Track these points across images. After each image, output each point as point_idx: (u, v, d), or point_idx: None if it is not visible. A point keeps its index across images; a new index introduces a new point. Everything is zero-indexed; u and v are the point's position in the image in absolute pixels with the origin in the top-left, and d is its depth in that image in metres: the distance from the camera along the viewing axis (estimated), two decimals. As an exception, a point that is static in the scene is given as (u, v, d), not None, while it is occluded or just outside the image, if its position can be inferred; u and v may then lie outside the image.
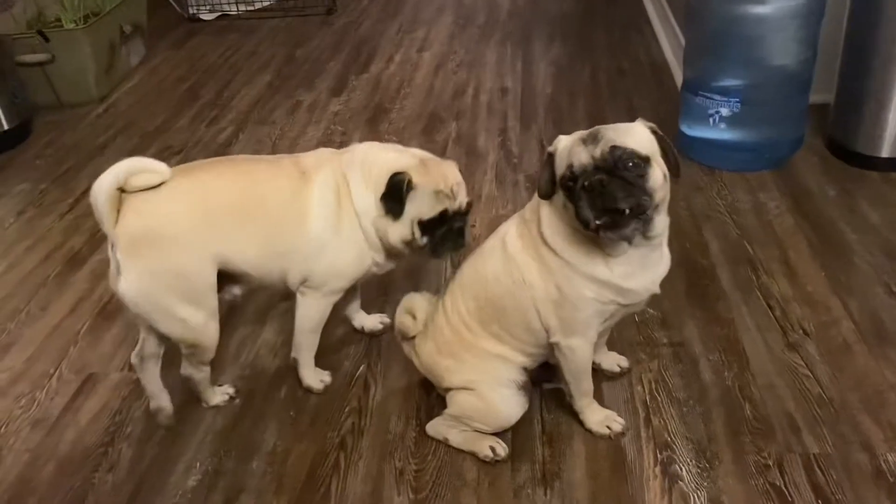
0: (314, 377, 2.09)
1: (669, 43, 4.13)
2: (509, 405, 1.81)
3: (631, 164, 1.52)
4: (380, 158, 1.89)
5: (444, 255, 1.96)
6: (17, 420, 2.08)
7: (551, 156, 1.63)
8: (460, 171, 1.96)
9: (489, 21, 4.89)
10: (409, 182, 1.82)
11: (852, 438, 1.82)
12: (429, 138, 3.42)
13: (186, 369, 1.98)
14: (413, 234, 1.86)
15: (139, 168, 1.76)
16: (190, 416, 2.05)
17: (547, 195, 1.65)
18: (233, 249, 1.84)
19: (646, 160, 1.54)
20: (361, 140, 3.43)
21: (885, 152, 2.87)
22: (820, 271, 2.39)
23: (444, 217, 1.86)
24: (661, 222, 1.63)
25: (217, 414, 2.04)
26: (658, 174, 1.56)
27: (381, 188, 1.84)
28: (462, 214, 1.91)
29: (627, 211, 1.51)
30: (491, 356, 1.81)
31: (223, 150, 3.46)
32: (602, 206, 1.51)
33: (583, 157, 1.53)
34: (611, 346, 2.11)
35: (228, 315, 2.40)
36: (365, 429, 1.96)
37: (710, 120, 2.94)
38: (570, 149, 1.57)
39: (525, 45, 4.46)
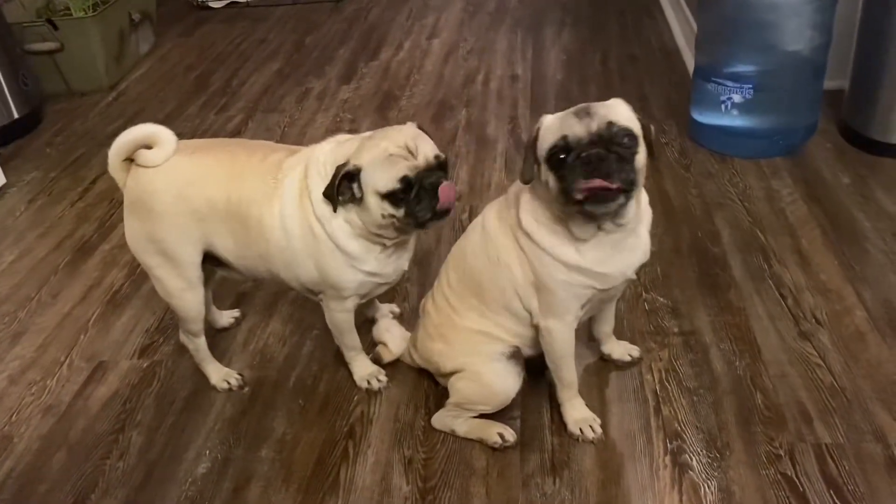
0: (362, 376, 2.05)
1: (681, 29, 4.08)
2: (503, 378, 1.81)
3: (626, 139, 1.53)
4: (330, 158, 1.78)
5: (426, 218, 1.71)
6: (29, 407, 2.09)
7: (535, 138, 1.61)
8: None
9: (499, 7, 4.85)
10: (349, 170, 1.69)
11: (865, 429, 1.80)
12: (438, 126, 3.40)
13: (181, 336, 2.08)
14: (384, 211, 1.70)
15: (146, 140, 1.84)
16: (200, 404, 2.05)
17: (529, 179, 1.64)
18: (216, 241, 1.88)
19: (636, 138, 1.55)
20: (370, 128, 3.45)
21: (900, 139, 2.83)
22: (833, 260, 2.37)
23: (407, 181, 1.68)
24: (632, 208, 1.62)
25: (227, 402, 2.05)
26: (643, 153, 1.57)
27: None
28: (432, 170, 1.70)
29: (616, 186, 1.51)
30: (474, 332, 1.80)
31: (232, 137, 3.46)
32: (597, 177, 1.51)
33: (577, 129, 1.53)
34: (621, 335, 2.09)
35: (236, 304, 2.40)
36: (374, 417, 1.96)
37: (722, 106, 2.90)
38: (560, 122, 1.57)
39: (535, 31, 4.42)
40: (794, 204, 2.66)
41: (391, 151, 1.69)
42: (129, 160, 1.86)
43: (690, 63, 3.49)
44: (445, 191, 1.68)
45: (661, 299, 2.25)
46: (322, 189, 1.75)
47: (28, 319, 2.44)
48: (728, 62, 2.85)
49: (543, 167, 1.59)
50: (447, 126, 3.41)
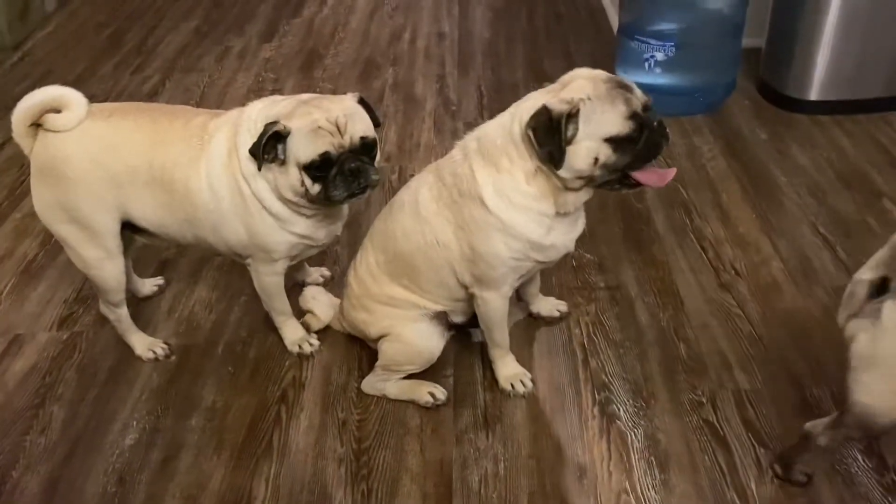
0: (293, 340, 2.01)
1: (606, -14, 4.10)
2: (427, 338, 1.82)
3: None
4: (262, 115, 1.72)
5: (340, 200, 1.70)
6: (-60, 385, 2.00)
7: (571, 116, 1.51)
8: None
9: (424, -37, 4.77)
10: (279, 130, 1.63)
11: (780, 374, 1.89)
12: (365, 85, 3.35)
13: (101, 307, 2.02)
14: (303, 182, 1.67)
15: (53, 103, 1.74)
16: (125, 375, 1.99)
17: (560, 163, 1.54)
18: (135, 208, 1.82)
19: None
20: (294, 88, 3.38)
21: (813, 95, 2.93)
22: (751, 213, 2.45)
23: (328, 158, 1.66)
24: None
25: (153, 372, 2.00)
26: None
27: None
28: (355, 153, 1.68)
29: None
30: (399, 300, 1.81)
31: (149, 100, 3.32)
32: (657, 151, 1.60)
33: (636, 103, 1.56)
34: (549, 291, 2.13)
35: (159, 271, 2.33)
36: (306, 381, 1.95)
37: (646, 65, 2.94)
38: (611, 97, 1.54)
39: (461, -12, 4.38)
40: (715, 160, 2.73)
41: (320, 124, 1.65)
42: (37, 125, 1.76)
43: (615, 21, 3.52)
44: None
45: (588, 255, 2.29)
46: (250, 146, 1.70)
47: (-65, 293, 2.31)
48: (651, 20, 2.88)
49: (592, 144, 1.54)
50: (374, 85, 3.36)
